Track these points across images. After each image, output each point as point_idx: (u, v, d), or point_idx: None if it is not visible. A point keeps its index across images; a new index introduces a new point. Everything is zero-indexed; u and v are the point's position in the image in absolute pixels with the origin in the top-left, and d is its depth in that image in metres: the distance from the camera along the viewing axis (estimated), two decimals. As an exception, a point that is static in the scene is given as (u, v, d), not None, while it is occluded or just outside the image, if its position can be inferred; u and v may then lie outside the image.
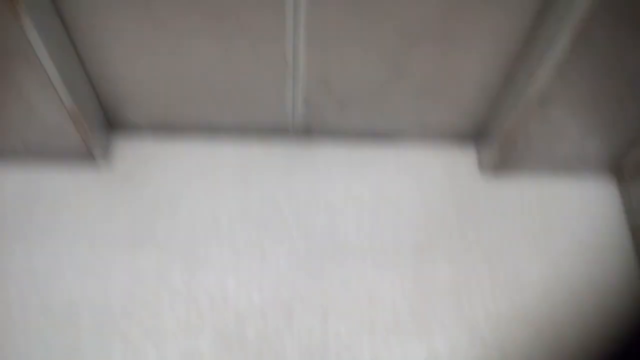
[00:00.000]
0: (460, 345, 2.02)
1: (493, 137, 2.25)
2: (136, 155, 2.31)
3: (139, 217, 2.18)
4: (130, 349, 1.95)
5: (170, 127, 2.32)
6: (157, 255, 2.11)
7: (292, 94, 2.15)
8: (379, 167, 2.35)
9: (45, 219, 2.15)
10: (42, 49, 1.77)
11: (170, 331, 1.98)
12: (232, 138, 2.35)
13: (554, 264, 2.18)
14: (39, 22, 1.71)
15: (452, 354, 2.00)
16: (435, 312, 2.06)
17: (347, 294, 2.08)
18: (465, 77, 2.11)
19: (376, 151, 2.38)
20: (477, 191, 2.32)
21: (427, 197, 2.29)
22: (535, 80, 1.93)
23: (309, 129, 2.34)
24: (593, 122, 2.18)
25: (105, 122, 2.28)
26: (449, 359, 1.99)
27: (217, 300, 2.04)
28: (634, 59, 1.92)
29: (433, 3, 1.80)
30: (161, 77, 2.09)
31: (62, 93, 1.93)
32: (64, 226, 2.14)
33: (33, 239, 2.12)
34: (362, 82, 2.12)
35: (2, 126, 2.11)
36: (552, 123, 2.15)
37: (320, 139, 2.37)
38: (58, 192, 2.21)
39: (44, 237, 2.12)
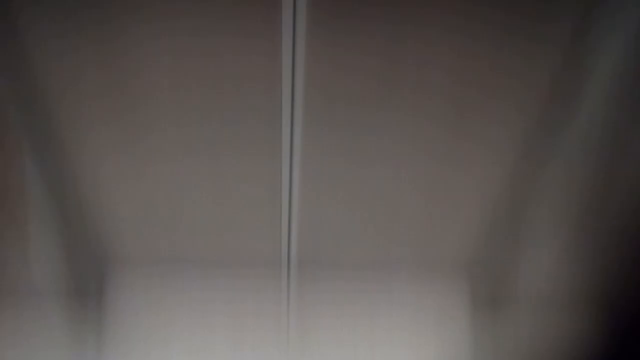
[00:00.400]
0: None
1: (487, 270, 2.24)
2: (128, 294, 2.26)
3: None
4: None
5: (163, 262, 2.30)
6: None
7: (288, 230, 2.16)
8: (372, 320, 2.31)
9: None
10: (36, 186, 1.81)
11: None
12: (225, 276, 2.31)
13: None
14: (38, 164, 1.78)
15: None
16: None
17: None
18: (455, 217, 2.14)
19: (369, 295, 2.34)
20: (472, 335, 2.26)
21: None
22: (528, 213, 1.96)
23: (302, 265, 2.32)
24: (583, 260, 2.17)
25: (97, 258, 2.26)
26: None
27: None
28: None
29: (420, 149, 1.87)
30: (154, 214, 2.10)
31: (54, 231, 1.93)
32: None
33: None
34: (355, 219, 2.14)
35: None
36: (543, 258, 2.15)
37: (315, 275, 2.33)
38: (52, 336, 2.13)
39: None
